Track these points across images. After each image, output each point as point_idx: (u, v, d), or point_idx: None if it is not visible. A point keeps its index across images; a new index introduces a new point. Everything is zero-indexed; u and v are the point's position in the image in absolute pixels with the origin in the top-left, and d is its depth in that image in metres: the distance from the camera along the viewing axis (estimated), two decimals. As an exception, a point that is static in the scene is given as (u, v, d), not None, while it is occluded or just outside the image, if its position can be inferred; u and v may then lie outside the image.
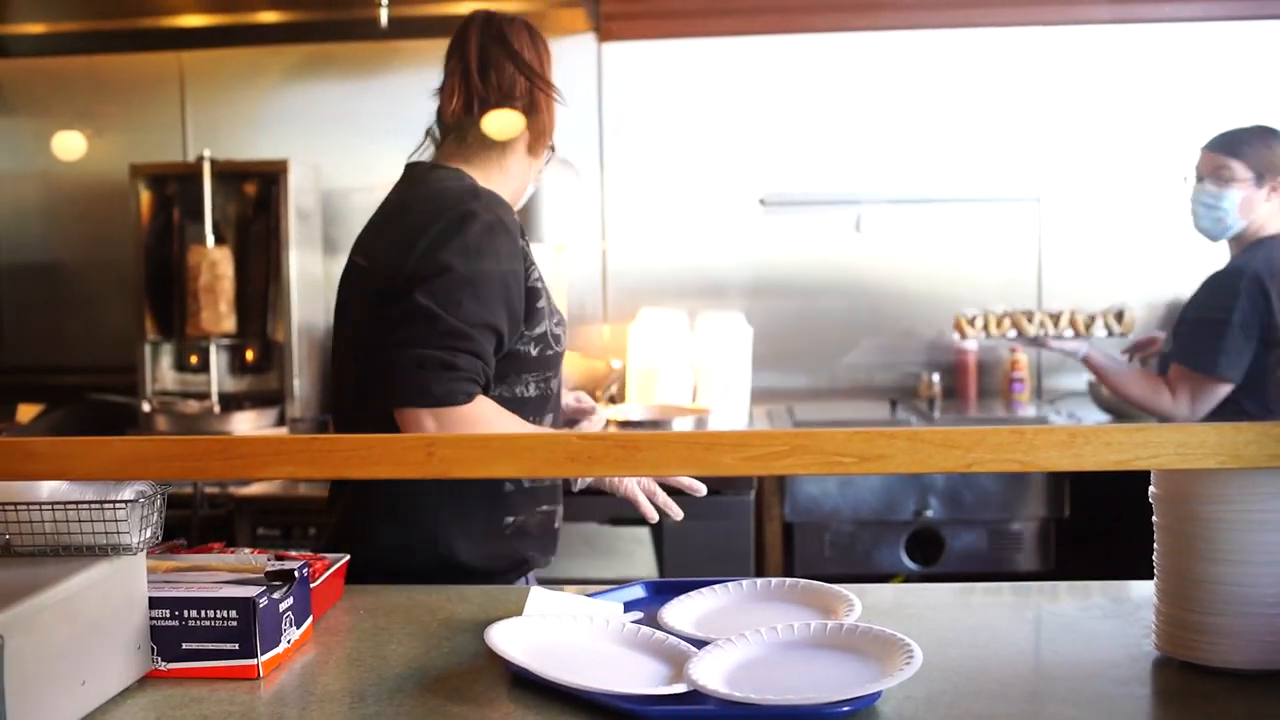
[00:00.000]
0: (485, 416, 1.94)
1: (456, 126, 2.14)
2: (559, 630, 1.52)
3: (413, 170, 2.20)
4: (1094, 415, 3.80)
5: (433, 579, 1.97)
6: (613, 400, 3.80)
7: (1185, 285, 3.98)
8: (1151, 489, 1.50)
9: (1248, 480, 1.37)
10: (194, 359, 4.03)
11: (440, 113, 2.18)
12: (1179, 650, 1.44)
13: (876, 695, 1.32)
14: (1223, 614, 1.40)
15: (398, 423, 1.93)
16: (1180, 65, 3.96)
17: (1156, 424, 1.23)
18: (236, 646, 1.46)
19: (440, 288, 1.94)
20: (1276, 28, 3.94)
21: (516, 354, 2.04)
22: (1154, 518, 1.50)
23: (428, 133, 2.22)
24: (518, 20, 2.17)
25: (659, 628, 1.55)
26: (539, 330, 2.07)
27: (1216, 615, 1.40)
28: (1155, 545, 1.49)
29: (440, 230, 1.99)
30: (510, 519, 2.08)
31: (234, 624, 1.46)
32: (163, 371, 4.06)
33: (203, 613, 1.46)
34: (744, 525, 3.29)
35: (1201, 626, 1.41)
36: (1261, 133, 2.91)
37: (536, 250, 3.75)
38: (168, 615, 1.45)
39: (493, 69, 2.12)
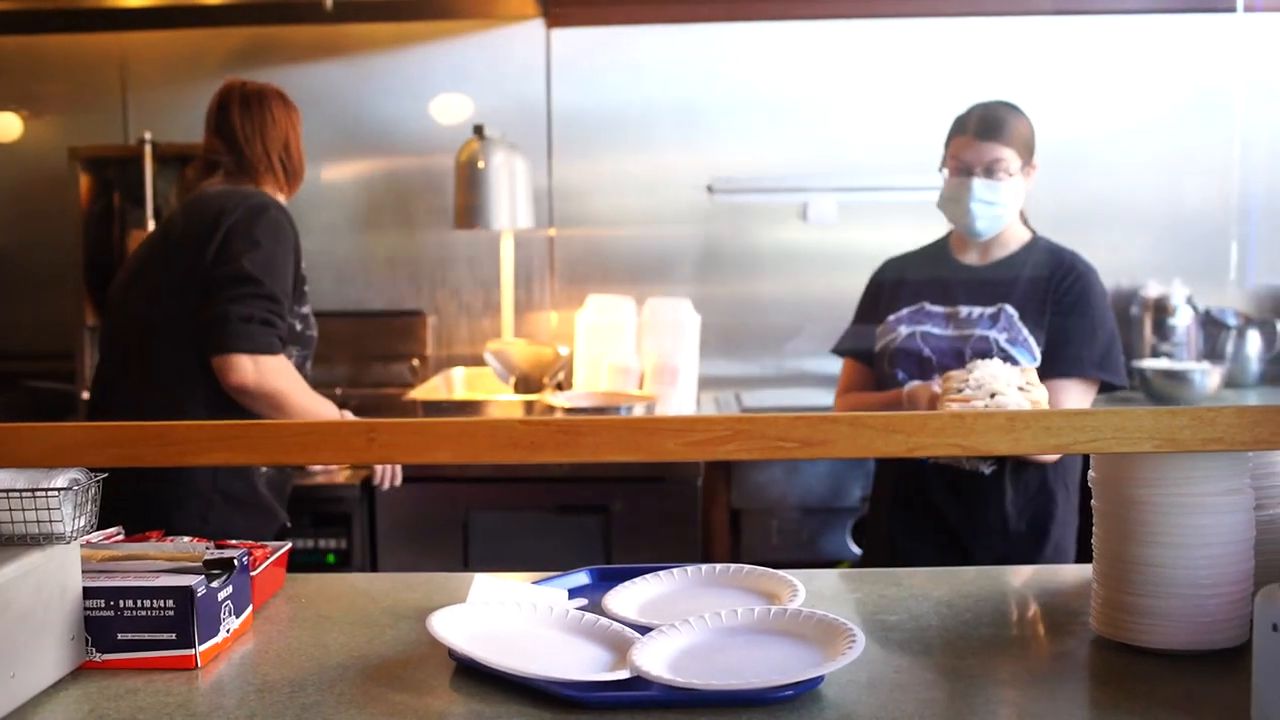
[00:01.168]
0: (289, 368, 2.45)
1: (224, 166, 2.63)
2: (502, 617, 1.51)
3: (195, 188, 2.65)
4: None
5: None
6: (559, 387, 3.78)
7: (1122, 274, 4.04)
8: (1090, 473, 1.52)
9: (1182, 464, 1.39)
10: (135, 346, 3.96)
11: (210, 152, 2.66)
12: (1116, 632, 1.46)
13: (819, 679, 1.33)
14: (1158, 596, 1.42)
15: (219, 367, 2.36)
16: (1118, 55, 4.00)
17: (1094, 409, 1.24)
18: (174, 636, 1.44)
19: (259, 259, 2.39)
20: (1212, 19, 3.98)
21: (291, 326, 2.51)
22: (1093, 502, 1.52)
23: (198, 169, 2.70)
24: (266, 91, 2.66)
25: (603, 614, 1.55)
26: (304, 310, 2.59)
27: (1152, 597, 1.42)
28: (1094, 529, 1.51)
29: (246, 214, 2.45)
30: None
31: (171, 613, 1.44)
32: (102, 357, 3.99)
33: (139, 602, 1.44)
34: (691, 512, 3.30)
35: (1137, 609, 1.43)
36: (1015, 111, 2.59)
37: (484, 235, 3.77)
38: (103, 605, 1.43)
39: (243, 134, 2.62)
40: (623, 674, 1.34)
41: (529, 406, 3.55)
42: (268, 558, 1.72)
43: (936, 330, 2.56)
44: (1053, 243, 2.65)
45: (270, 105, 2.65)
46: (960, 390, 2.15)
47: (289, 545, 1.80)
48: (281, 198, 2.65)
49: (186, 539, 1.69)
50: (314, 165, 4.03)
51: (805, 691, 1.31)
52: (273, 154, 2.63)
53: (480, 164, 3.71)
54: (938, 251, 2.73)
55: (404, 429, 1.22)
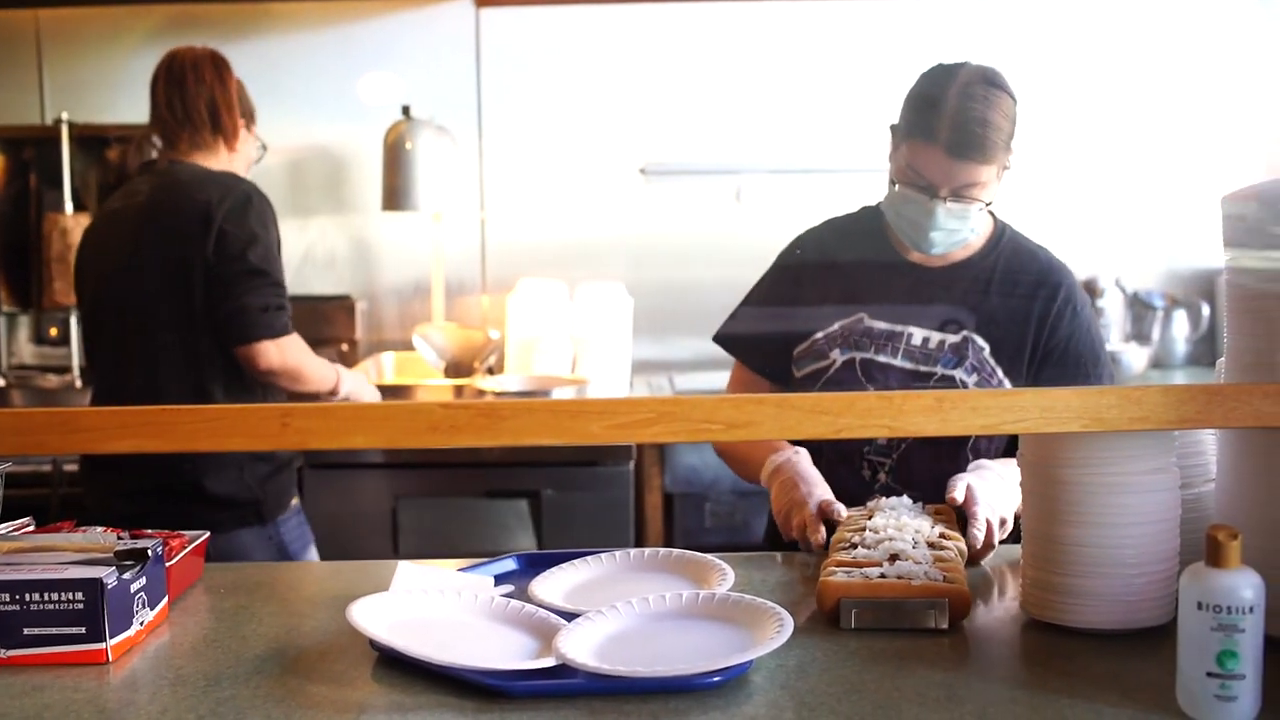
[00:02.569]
0: (301, 342, 2.58)
1: (168, 137, 2.66)
2: (424, 605, 1.47)
3: (153, 166, 2.66)
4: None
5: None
6: (491, 372, 3.74)
7: (1057, 255, 4.06)
8: (1019, 453, 1.51)
9: (1110, 443, 1.39)
10: (53, 331, 3.87)
11: (154, 125, 2.68)
12: (1044, 612, 1.46)
13: (747, 665, 1.31)
14: (1086, 576, 1.41)
15: (246, 356, 2.51)
16: (1046, 33, 4.02)
17: (1022, 389, 1.23)
18: (83, 630, 1.39)
19: (260, 252, 2.51)
20: (1143, 3, 4.02)
21: None
22: (1020, 482, 1.51)
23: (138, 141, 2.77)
24: (200, 55, 2.67)
25: (530, 601, 1.52)
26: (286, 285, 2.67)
27: (1080, 577, 1.42)
28: (1022, 509, 1.51)
29: (235, 206, 2.51)
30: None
31: (80, 606, 1.39)
32: (20, 345, 3.90)
33: (46, 595, 1.39)
34: (623, 496, 3.28)
35: (1064, 588, 1.43)
36: (1000, 100, 1.93)
37: (413, 218, 3.72)
38: (7, 599, 1.38)
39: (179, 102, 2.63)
40: (548, 662, 1.32)
41: (459, 391, 3.51)
42: (185, 547, 1.67)
43: (884, 360, 1.99)
44: (1023, 237, 2.11)
45: (202, 69, 2.65)
46: (850, 546, 1.60)
47: (207, 534, 1.75)
48: (239, 165, 2.70)
49: (99, 529, 1.64)
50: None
51: (733, 677, 1.29)
52: (221, 118, 2.65)
53: (408, 145, 3.66)
54: (874, 235, 2.10)
55: (318, 413, 1.18)
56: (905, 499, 1.76)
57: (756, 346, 2.13)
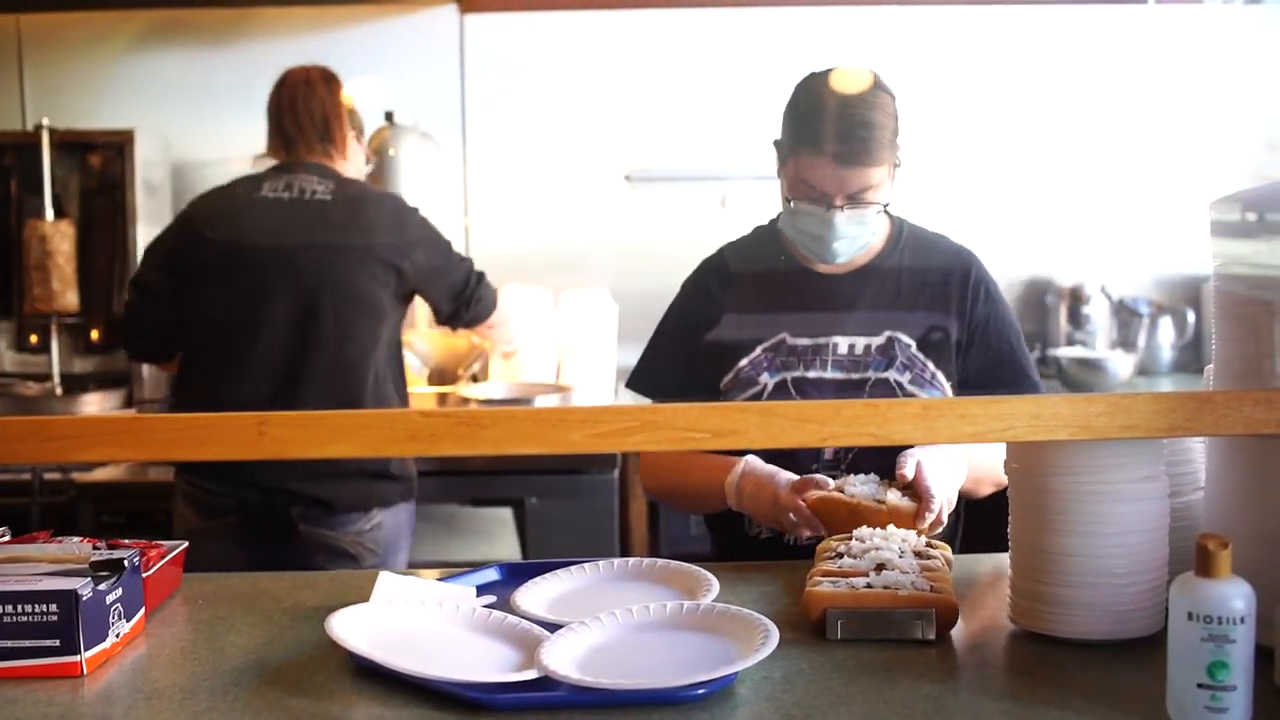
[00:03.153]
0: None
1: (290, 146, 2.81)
2: (405, 617, 1.45)
3: (292, 167, 2.76)
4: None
5: None
6: (475, 379, 3.72)
7: (1037, 262, 4.07)
8: (1006, 461, 1.50)
9: (1098, 451, 1.37)
10: (34, 338, 3.84)
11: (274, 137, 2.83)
12: (1032, 622, 1.44)
13: (732, 677, 1.29)
14: (1074, 585, 1.40)
15: (482, 329, 2.97)
16: (1032, 44, 4.02)
17: (1010, 396, 1.22)
18: (57, 643, 1.37)
19: (456, 251, 2.87)
20: (1121, 10, 4.02)
21: None
22: (1008, 491, 1.50)
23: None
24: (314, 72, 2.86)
25: (512, 612, 1.50)
26: None
27: (1068, 587, 1.40)
28: (1010, 519, 1.49)
29: (419, 219, 2.79)
30: None
31: (54, 619, 1.36)
32: (0, 351, 3.86)
33: (18, 607, 1.36)
34: (608, 504, 3.25)
35: (1053, 598, 1.41)
36: (879, 102, 1.94)
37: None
38: (-20, 611, 1.35)
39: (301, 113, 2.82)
40: (530, 674, 1.30)
41: (442, 398, 3.49)
42: (162, 557, 1.65)
43: (814, 375, 1.96)
44: (920, 228, 2.12)
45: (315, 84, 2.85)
46: (836, 555, 1.59)
47: (185, 544, 1.72)
48: (353, 172, 2.86)
49: (76, 539, 1.61)
50: (222, 151, 3.96)
51: (718, 689, 1.27)
52: (332, 128, 2.82)
53: (391, 151, 3.63)
54: (776, 252, 2.07)
55: (296, 421, 1.16)
56: (873, 475, 1.79)
57: (678, 387, 2.06)
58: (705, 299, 2.08)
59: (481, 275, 2.91)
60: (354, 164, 2.84)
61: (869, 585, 1.48)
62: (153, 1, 3.94)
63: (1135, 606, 1.40)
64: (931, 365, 1.97)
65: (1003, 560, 1.53)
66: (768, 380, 1.98)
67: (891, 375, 1.96)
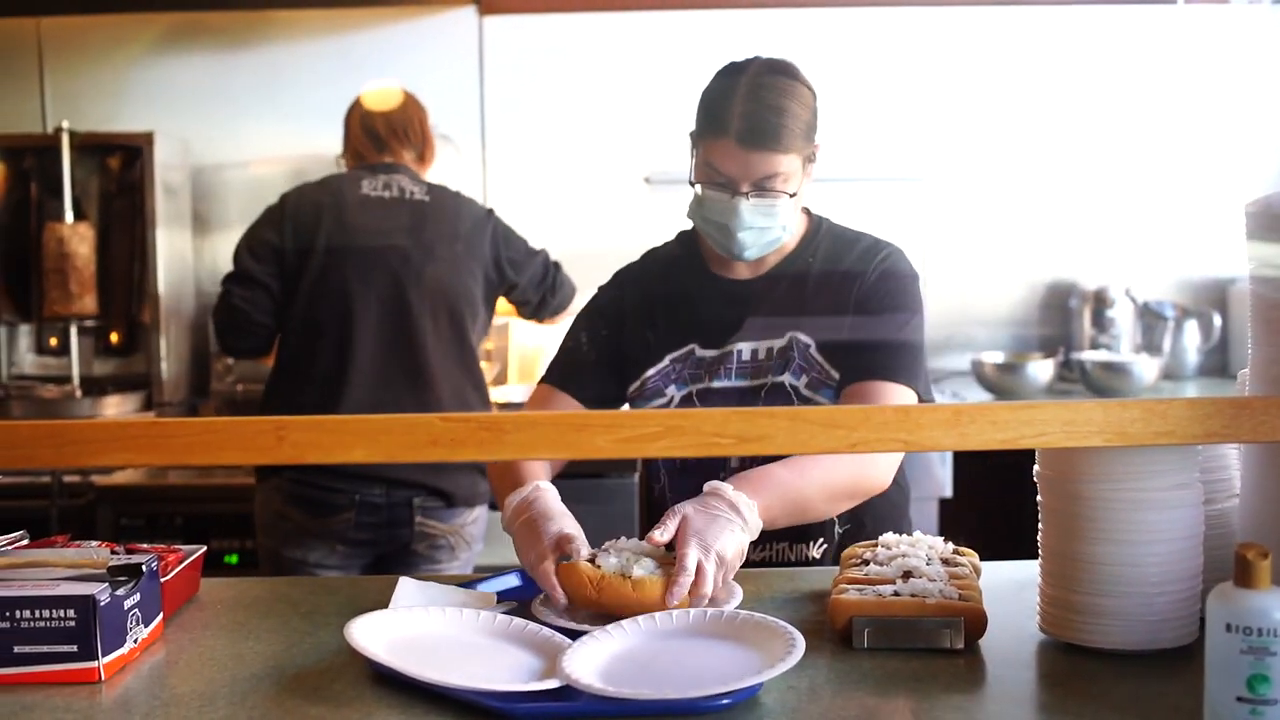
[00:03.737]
0: None
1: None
2: (425, 623, 1.44)
3: (391, 168, 2.91)
4: (977, 394, 3.81)
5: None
6: (495, 382, 3.71)
7: (1061, 266, 4.04)
8: (1037, 468, 1.47)
9: (1132, 458, 1.34)
10: (54, 341, 3.84)
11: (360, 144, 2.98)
12: (1063, 632, 1.42)
13: (757, 687, 1.27)
14: (1107, 594, 1.37)
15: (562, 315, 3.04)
16: (1060, 47, 3.99)
17: (1042, 402, 1.19)
18: (75, 648, 1.35)
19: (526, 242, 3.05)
20: (1147, 11, 3.99)
21: None
22: (1038, 498, 1.47)
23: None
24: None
25: (533, 619, 1.48)
26: None
27: (1100, 596, 1.37)
28: (1040, 526, 1.46)
29: (490, 210, 3.02)
30: None
31: (72, 624, 1.35)
32: (20, 355, 3.87)
33: (37, 613, 1.35)
34: (628, 509, 3.23)
35: (1085, 608, 1.39)
36: (790, 89, 1.86)
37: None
38: (-2, 617, 1.34)
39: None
40: (551, 683, 1.28)
41: (463, 402, 3.47)
42: (181, 562, 1.64)
43: (719, 385, 1.88)
44: (842, 228, 2.00)
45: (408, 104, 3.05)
46: (863, 562, 1.55)
47: (204, 549, 1.71)
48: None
49: (94, 544, 1.60)
50: (241, 154, 3.96)
51: (742, 699, 1.25)
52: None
53: (411, 153, 3.61)
54: (691, 260, 2.01)
55: (316, 426, 1.15)
56: (635, 540, 1.58)
57: (586, 379, 1.97)
58: (622, 303, 2.00)
59: (558, 264, 3.06)
60: (435, 173, 3.03)
61: (896, 593, 1.45)
62: (172, 4, 3.94)
63: (1169, 616, 1.37)
64: (829, 366, 1.87)
65: (1032, 568, 1.51)
66: (674, 393, 1.92)
67: (786, 379, 1.86)
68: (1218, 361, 4.00)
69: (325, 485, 2.70)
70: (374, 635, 1.37)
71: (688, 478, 1.85)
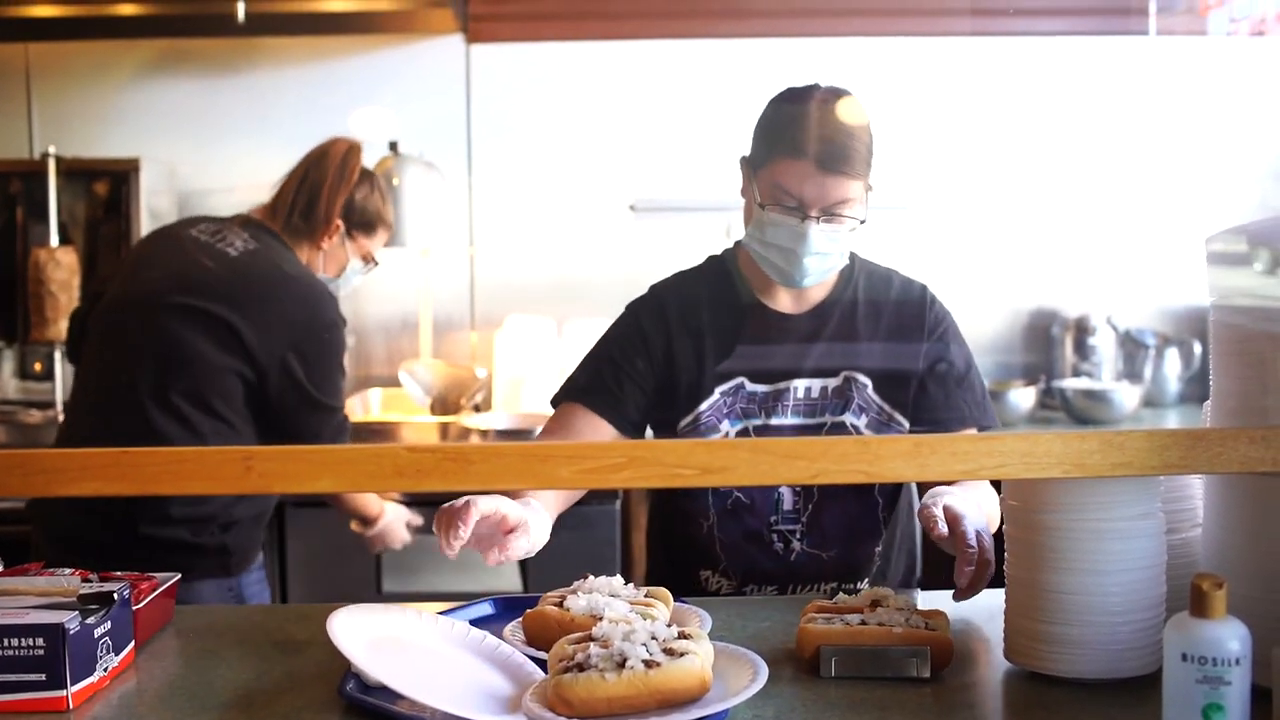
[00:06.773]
0: None
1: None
2: (404, 625, 1.46)
3: (264, 231, 2.66)
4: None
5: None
6: (478, 409, 3.71)
7: (1044, 293, 4.06)
8: (1002, 498, 1.48)
9: (1094, 488, 1.36)
10: (38, 366, 3.84)
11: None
12: (1027, 660, 1.43)
13: (723, 714, 1.28)
14: (1070, 623, 1.38)
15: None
16: (1036, 77, 4.02)
17: (1002, 433, 1.20)
18: (44, 677, 1.36)
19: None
20: (1125, 42, 4.02)
21: None
22: (1004, 527, 1.48)
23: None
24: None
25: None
26: None
27: (1064, 625, 1.38)
28: (1005, 555, 1.48)
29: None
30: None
31: (40, 652, 1.35)
32: (4, 379, 3.87)
33: (6, 641, 1.35)
34: (609, 535, 3.24)
35: (1049, 636, 1.40)
36: (858, 114, 1.87)
37: (400, 254, 3.68)
38: (-35, 645, 1.35)
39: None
40: (519, 718, 1.28)
41: (445, 428, 3.48)
42: (154, 589, 1.64)
43: (776, 423, 1.87)
44: (870, 262, 2.02)
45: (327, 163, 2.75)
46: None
47: (177, 576, 1.72)
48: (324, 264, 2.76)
49: (66, 571, 1.60)
50: (228, 180, 3.97)
51: (708, 728, 1.26)
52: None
53: (395, 180, 3.64)
54: (728, 287, 1.97)
55: (282, 456, 1.15)
56: (615, 579, 1.58)
57: (623, 401, 1.90)
58: (666, 323, 1.94)
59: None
60: (332, 258, 2.71)
61: (863, 622, 1.46)
62: (159, 31, 3.96)
63: (1131, 645, 1.38)
64: (888, 408, 1.89)
65: (998, 597, 1.52)
66: (729, 429, 1.88)
67: (848, 419, 1.87)
68: (1199, 390, 4.02)
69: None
70: (354, 634, 1.38)
71: (737, 519, 1.85)
